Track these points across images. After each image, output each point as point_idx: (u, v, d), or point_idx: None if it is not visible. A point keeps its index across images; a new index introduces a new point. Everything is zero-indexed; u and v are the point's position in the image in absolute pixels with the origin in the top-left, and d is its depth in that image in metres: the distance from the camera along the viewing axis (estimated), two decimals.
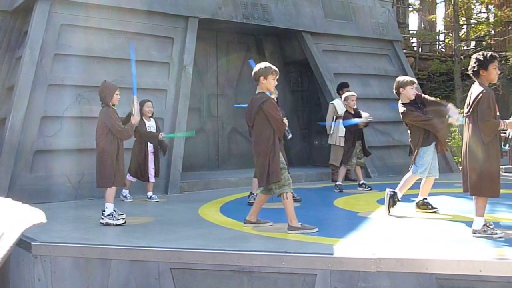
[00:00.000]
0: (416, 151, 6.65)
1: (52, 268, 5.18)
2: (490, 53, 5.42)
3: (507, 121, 5.13)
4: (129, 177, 8.14)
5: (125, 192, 8.26)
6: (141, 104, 8.19)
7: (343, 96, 9.51)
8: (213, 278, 4.75)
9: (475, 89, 5.22)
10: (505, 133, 5.51)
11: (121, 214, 6.23)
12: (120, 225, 6.08)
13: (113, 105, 6.38)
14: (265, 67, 5.74)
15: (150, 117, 8.39)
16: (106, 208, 6.15)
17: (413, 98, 6.74)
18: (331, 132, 10.00)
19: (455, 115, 6.25)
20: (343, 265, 4.43)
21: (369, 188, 9.03)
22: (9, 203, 0.83)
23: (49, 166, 8.54)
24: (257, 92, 5.80)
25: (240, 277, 4.67)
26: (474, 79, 5.33)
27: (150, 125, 8.37)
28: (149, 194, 8.36)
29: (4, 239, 0.74)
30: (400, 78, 6.98)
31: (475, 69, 5.28)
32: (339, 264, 4.44)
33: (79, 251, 5.19)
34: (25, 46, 8.73)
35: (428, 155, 6.58)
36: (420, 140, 6.60)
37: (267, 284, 4.61)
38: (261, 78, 5.70)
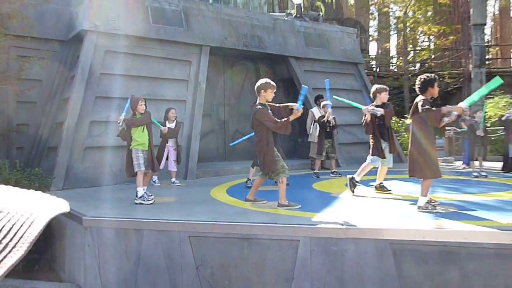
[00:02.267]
0: (372, 145, 6.67)
1: (98, 236, 5.16)
2: (433, 74, 5.40)
3: (449, 106, 5.00)
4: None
5: (155, 178, 8.24)
6: (167, 111, 8.19)
7: (321, 104, 9.54)
8: (221, 243, 4.73)
9: (419, 100, 5.19)
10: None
11: (151, 196, 6.20)
12: (150, 204, 6.07)
13: (140, 112, 6.30)
14: (265, 82, 5.69)
15: (173, 120, 8.32)
16: (138, 191, 6.13)
17: (385, 101, 6.73)
18: (310, 133, 10.00)
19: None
20: (319, 233, 4.42)
21: (339, 175, 9.03)
22: (36, 194, 0.80)
23: (96, 158, 8.54)
24: (257, 102, 5.74)
25: (242, 243, 4.66)
26: (420, 94, 5.28)
27: (172, 125, 8.25)
28: (173, 180, 8.35)
29: (34, 226, 0.71)
30: (377, 86, 6.96)
31: (423, 86, 5.24)
32: (316, 232, 4.42)
33: (119, 223, 5.18)
34: (77, 67, 8.71)
35: (378, 150, 6.58)
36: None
37: (262, 248, 4.59)
38: (262, 91, 5.67)
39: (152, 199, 6.15)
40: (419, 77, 5.40)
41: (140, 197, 6.10)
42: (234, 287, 4.65)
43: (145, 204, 6.05)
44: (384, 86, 6.90)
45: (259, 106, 5.60)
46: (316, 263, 4.36)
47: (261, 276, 4.57)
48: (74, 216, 5.54)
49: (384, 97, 6.70)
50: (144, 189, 6.16)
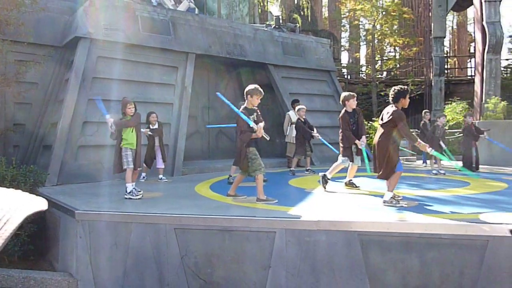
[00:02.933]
0: (341, 148, 6.72)
1: (90, 229, 5.10)
2: (406, 87, 5.44)
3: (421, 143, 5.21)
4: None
5: (143, 173, 8.16)
6: (148, 115, 8.11)
7: (296, 108, 9.57)
8: (204, 235, 4.72)
9: (392, 111, 5.17)
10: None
11: (139, 191, 6.15)
12: (138, 199, 6.00)
13: (129, 114, 6.24)
14: (254, 88, 5.68)
15: (155, 123, 8.22)
16: (127, 187, 6.07)
17: (354, 107, 6.77)
18: (287, 134, 10.04)
19: (363, 144, 6.61)
20: (294, 225, 4.44)
21: (313, 172, 9.08)
22: (13, 192, 0.77)
23: (89, 156, 8.41)
24: (243, 106, 5.72)
25: (223, 234, 4.66)
26: (392, 103, 5.27)
27: (155, 127, 8.18)
28: (160, 176, 8.28)
29: (9, 224, 0.69)
30: (345, 93, 6.98)
31: (396, 97, 5.23)
32: (291, 224, 4.45)
33: (109, 217, 5.12)
34: (71, 71, 8.57)
35: (348, 152, 6.66)
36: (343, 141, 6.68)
37: (241, 239, 4.59)
38: (249, 96, 5.67)
39: (140, 194, 6.09)
40: (393, 87, 5.39)
41: (129, 192, 6.03)
42: (216, 275, 4.64)
43: (133, 199, 5.98)
44: (353, 93, 6.93)
45: (241, 110, 5.61)
46: (291, 253, 4.39)
47: (241, 265, 4.57)
48: (67, 210, 5.46)
49: (352, 103, 6.74)
50: (132, 185, 6.10)
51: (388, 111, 5.25)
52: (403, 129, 5.07)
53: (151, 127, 8.10)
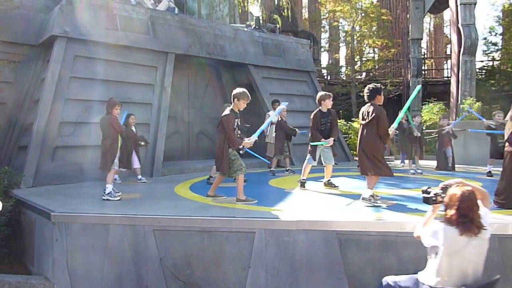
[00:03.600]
0: (309, 148, 6.78)
1: (66, 231, 5.01)
2: (379, 84, 5.54)
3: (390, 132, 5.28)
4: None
5: (116, 176, 8.03)
6: (127, 117, 8.01)
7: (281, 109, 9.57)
8: (183, 236, 4.69)
9: (372, 108, 5.26)
10: None
11: (118, 192, 6.08)
12: (117, 200, 5.93)
13: (116, 115, 6.23)
14: (242, 92, 5.64)
15: (132, 125, 8.18)
16: (107, 187, 5.99)
17: (330, 107, 6.80)
18: (267, 134, 10.04)
19: (330, 142, 6.63)
20: (273, 225, 4.46)
21: (293, 172, 9.12)
22: None
23: (66, 157, 8.26)
24: (230, 108, 5.70)
25: (202, 235, 4.64)
26: (369, 101, 5.38)
27: (132, 129, 8.15)
28: (139, 177, 8.19)
29: None
30: (321, 93, 7.02)
31: (372, 94, 5.33)
32: (271, 224, 4.46)
33: (86, 219, 5.03)
34: (47, 71, 8.41)
35: (313, 151, 6.74)
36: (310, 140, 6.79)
37: (221, 239, 4.58)
38: (236, 99, 5.65)
39: (119, 196, 6.02)
40: (367, 86, 5.49)
41: (108, 193, 5.96)
42: (195, 276, 4.62)
43: (112, 200, 5.91)
44: (329, 93, 6.97)
45: (227, 112, 5.58)
46: (271, 252, 4.39)
47: (221, 265, 4.56)
48: (43, 212, 5.36)
49: (328, 103, 6.78)
50: (112, 186, 6.05)
51: (368, 110, 5.31)
52: (383, 125, 5.15)
53: (132, 129, 8.03)
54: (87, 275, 4.92)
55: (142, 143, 8.32)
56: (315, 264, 4.31)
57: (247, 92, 5.71)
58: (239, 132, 5.79)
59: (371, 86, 5.41)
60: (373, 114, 5.20)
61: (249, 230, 4.49)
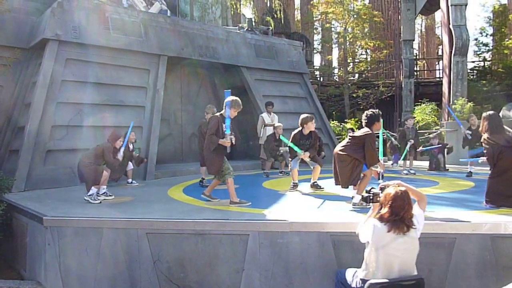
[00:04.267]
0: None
1: (58, 235, 4.98)
2: (377, 110, 5.36)
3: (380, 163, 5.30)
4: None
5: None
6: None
7: (275, 125, 9.61)
8: (176, 239, 4.68)
9: (366, 130, 5.14)
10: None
11: (111, 196, 6.09)
12: (97, 203, 5.92)
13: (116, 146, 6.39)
14: (235, 100, 5.63)
15: (133, 142, 8.22)
16: (91, 189, 6.01)
17: (312, 129, 6.85)
18: (261, 136, 10.06)
19: (306, 155, 6.69)
20: (267, 227, 4.46)
21: (287, 174, 9.12)
22: None
23: (58, 161, 8.20)
24: (219, 113, 5.72)
25: (196, 238, 4.63)
26: (366, 127, 5.20)
27: (130, 146, 8.16)
28: (130, 180, 8.16)
29: None
30: (304, 116, 6.97)
31: (370, 121, 5.17)
32: (264, 227, 4.47)
33: (78, 222, 5.00)
34: (39, 74, 8.34)
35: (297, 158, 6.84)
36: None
37: (215, 242, 4.57)
38: (227, 107, 5.64)
39: (99, 200, 6.02)
40: (365, 112, 5.31)
41: (89, 195, 5.97)
42: (189, 280, 4.60)
43: (92, 203, 5.89)
44: (310, 115, 6.98)
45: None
46: (264, 255, 4.39)
47: (214, 268, 4.55)
48: (35, 216, 5.32)
49: (311, 126, 6.81)
50: (102, 189, 6.15)
51: (364, 131, 5.20)
52: (370, 150, 5.06)
53: (129, 146, 8.04)
54: (80, 280, 4.89)
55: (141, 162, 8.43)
56: (309, 265, 4.31)
57: (239, 101, 5.69)
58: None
59: (369, 112, 5.23)
60: (364, 135, 5.09)
61: (242, 233, 4.49)
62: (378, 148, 5.47)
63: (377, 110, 5.40)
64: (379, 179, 5.33)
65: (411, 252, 3.26)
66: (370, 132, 5.13)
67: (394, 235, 3.17)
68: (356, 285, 3.40)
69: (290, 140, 6.82)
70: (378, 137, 5.69)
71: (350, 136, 5.42)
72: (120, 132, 6.54)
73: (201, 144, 7.22)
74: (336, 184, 5.36)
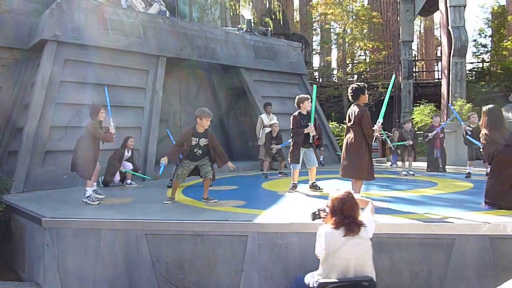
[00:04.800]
0: (290, 152, 6.79)
1: (57, 236, 4.96)
2: (362, 83, 5.55)
3: (376, 127, 5.23)
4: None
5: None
6: (126, 139, 8.02)
7: (270, 122, 9.60)
8: (175, 240, 4.67)
9: (356, 109, 5.31)
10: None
11: (102, 196, 6.08)
12: (96, 204, 5.90)
13: (100, 120, 6.14)
14: (202, 110, 5.88)
15: (131, 148, 8.19)
16: (86, 191, 5.98)
17: (309, 109, 6.80)
18: (259, 137, 10.06)
19: (311, 128, 6.55)
20: (266, 228, 4.46)
21: (286, 175, 9.12)
22: None
23: (56, 162, 8.19)
24: (194, 126, 5.97)
25: (195, 239, 4.62)
26: (353, 101, 5.42)
27: (128, 155, 8.17)
28: (128, 181, 8.15)
29: None
30: (300, 95, 7.01)
31: (356, 94, 5.37)
32: (263, 228, 4.46)
33: (77, 224, 4.99)
34: (38, 75, 8.35)
35: (296, 155, 6.70)
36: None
37: (214, 243, 4.57)
38: (197, 119, 5.82)
39: (98, 200, 6.01)
40: (350, 86, 5.51)
41: (87, 196, 5.96)
42: (188, 281, 4.60)
43: (90, 204, 5.88)
44: (306, 96, 6.96)
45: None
46: (264, 255, 4.39)
47: (214, 269, 4.55)
48: (33, 217, 5.31)
49: (307, 105, 6.79)
50: (93, 189, 6.14)
51: (353, 110, 5.33)
52: (367, 125, 5.16)
53: (126, 153, 8.05)
54: (79, 281, 4.88)
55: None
56: (308, 266, 4.29)
57: (207, 110, 5.91)
58: (199, 151, 5.90)
59: (354, 85, 5.41)
60: (356, 115, 5.23)
61: (242, 234, 4.48)
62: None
63: (362, 83, 5.54)
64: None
65: (365, 253, 3.33)
66: (359, 106, 5.28)
67: (346, 237, 3.27)
68: (313, 285, 3.45)
69: (292, 123, 6.69)
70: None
71: (350, 126, 5.41)
72: (98, 105, 6.31)
73: None
74: (352, 177, 5.39)
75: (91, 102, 6.97)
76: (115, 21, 9.53)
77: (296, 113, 6.79)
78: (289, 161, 6.82)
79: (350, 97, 5.43)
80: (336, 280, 3.27)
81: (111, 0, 10.82)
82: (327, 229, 3.36)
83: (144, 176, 8.54)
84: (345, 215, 3.30)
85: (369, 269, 3.35)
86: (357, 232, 3.28)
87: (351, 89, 5.39)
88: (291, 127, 6.77)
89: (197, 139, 5.85)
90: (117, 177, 8.11)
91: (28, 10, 9.42)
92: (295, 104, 6.91)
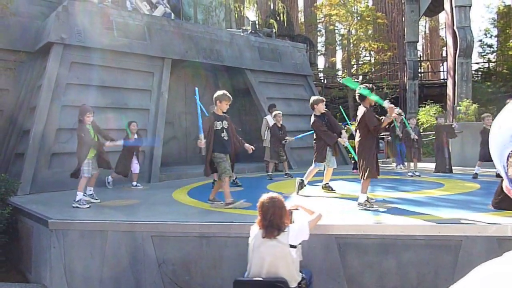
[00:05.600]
0: (316, 152, 6.73)
1: (64, 238, 4.98)
2: (370, 84, 5.54)
3: (385, 105, 5.12)
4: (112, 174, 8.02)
5: (110, 178, 8.06)
6: (128, 124, 8.03)
7: (273, 114, 9.60)
8: (181, 242, 4.67)
9: (361, 110, 5.32)
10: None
11: (97, 200, 6.12)
12: (86, 208, 5.87)
13: (87, 123, 6.09)
14: (222, 93, 5.62)
15: (135, 133, 8.15)
16: (77, 195, 5.96)
17: (323, 112, 6.80)
18: (265, 138, 10.04)
19: (345, 139, 6.73)
20: None
21: (291, 177, 9.11)
22: None
23: (63, 164, 8.20)
24: (212, 111, 5.73)
25: (201, 241, 4.61)
26: (360, 102, 5.42)
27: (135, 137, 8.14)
28: (134, 183, 8.16)
29: None
30: (314, 97, 7.01)
31: (361, 96, 5.36)
32: None
33: (83, 225, 5.01)
34: (44, 77, 8.39)
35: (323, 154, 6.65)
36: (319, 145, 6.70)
37: (220, 245, 4.56)
38: (217, 101, 5.63)
39: (89, 204, 5.99)
40: (358, 86, 5.52)
41: (77, 201, 5.94)
42: (194, 282, 4.59)
43: (81, 207, 5.85)
44: (321, 98, 6.97)
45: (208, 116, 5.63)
46: None
47: (220, 271, 4.54)
48: (40, 219, 5.33)
49: (321, 107, 6.78)
50: (89, 191, 6.20)
51: (359, 112, 5.35)
52: (371, 121, 5.14)
53: (130, 135, 8.02)
54: (85, 282, 4.89)
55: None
56: (314, 268, 4.29)
57: (227, 93, 5.67)
58: (225, 135, 5.72)
59: (360, 86, 5.40)
60: (359, 117, 5.26)
61: (247, 235, 4.46)
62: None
63: (370, 84, 5.53)
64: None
65: (280, 257, 3.41)
66: (365, 108, 5.25)
67: (265, 239, 3.43)
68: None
69: (316, 126, 6.64)
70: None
71: (356, 127, 5.42)
72: (88, 106, 6.27)
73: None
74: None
75: (96, 104, 7.00)
76: (120, 23, 9.57)
77: (317, 117, 6.77)
78: (314, 161, 6.74)
79: (357, 98, 5.42)
80: (246, 279, 3.51)
81: (116, 3, 10.86)
82: (255, 228, 3.56)
83: None
84: (265, 218, 3.46)
85: (285, 272, 3.42)
86: (275, 236, 3.41)
87: (357, 91, 5.38)
88: (319, 128, 6.67)
89: (221, 121, 5.64)
90: (135, 167, 8.10)
91: (34, 13, 9.48)
92: (310, 106, 6.89)
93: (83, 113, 6.05)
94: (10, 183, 6.91)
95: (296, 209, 3.98)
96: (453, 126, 9.51)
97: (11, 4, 8.51)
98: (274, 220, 3.44)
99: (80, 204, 5.92)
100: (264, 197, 3.58)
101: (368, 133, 5.23)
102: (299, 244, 3.59)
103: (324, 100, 6.95)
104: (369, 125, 5.17)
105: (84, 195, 6.11)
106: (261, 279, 3.41)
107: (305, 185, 6.69)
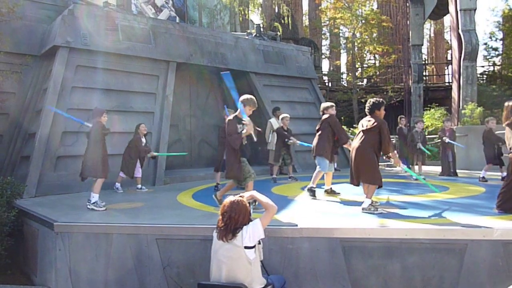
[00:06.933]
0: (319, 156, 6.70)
1: (69, 241, 5.00)
2: (381, 99, 5.52)
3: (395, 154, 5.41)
4: (121, 174, 8.02)
5: (117, 185, 8.07)
6: (137, 127, 8.08)
7: (280, 116, 9.60)
8: (185, 245, 4.68)
9: (373, 119, 5.27)
10: None
11: (103, 202, 6.07)
12: (103, 210, 5.90)
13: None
14: (250, 98, 5.57)
15: (144, 134, 8.22)
16: (93, 197, 5.98)
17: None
18: (269, 141, 10.05)
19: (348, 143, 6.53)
20: (276, 233, 4.44)
21: (296, 180, 9.10)
22: None
23: (68, 167, 8.27)
24: (234, 114, 5.64)
25: (205, 244, 4.61)
26: (369, 115, 5.38)
27: (144, 141, 8.24)
28: (139, 186, 8.18)
29: None
30: (325, 104, 6.99)
31: (371, 109, 5.34)
32: (274, 232, 4.44)
33: (89, 228, 5.03)
34: (50, 81, 8.46)
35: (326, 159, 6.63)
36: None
37: None
38: (242, 105, 5.58)
39: (104, 206, 6.01)
40: (369, 99, 5.50)
41: (93, 203, 5.97)
42: None
43: (97, 210, 5.88)
44: (331, 103, 6.98)
45: (231, 118, 5.56)
46: (274, 260, 4.37)
47: None
48: (45, 222, 5.35)
49: (331, 112, 6.80)
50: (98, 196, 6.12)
51: (369, 120, 5.32)
52: (386, 136, 5.15)
53: (141, 138, 8.10)
54: (90, 285, 4.91)
55: (148, 155, 8.36)
56: (319, 271, 4.29)
57: (254, 99, 5.64)
58: (244, 139, 5.69)
59: (372, 100, 5.44)
60: (375, 124, 5.21)
61: None
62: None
63: (381, 99, 5.52)
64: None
65: (237, 261, 3.42)
66: (376, 117, 5.24)
67: (222, 242, 3.46)
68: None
69: (337, 126, 6.63)
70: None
71: (363, 130, 5.38)
72: (102, 108, 6.38)
73: (221, 149, 7.31)
74: (353, 183, 5.38)
75: (109, 107, 7.01)
76: (125, 27, 9.63)
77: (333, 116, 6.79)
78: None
79: (366, 110, 5.44)
80: (208, 283, 3.52)
81: (122, 6, 10.93)
82: (216, 231, 3.59)
83: (181, 154, 9.21)
84: (222, 220, 3.51)
85: (243, 276, 3.41)
86: (230, 238, 3.42)
87: (369, 103, 5.41)
88: (341, 129, 6.69)
89: (241, 126, 5.58)
90: (138, 171, 8.14)
91: (40, 17, 9.56)
92: (320, 112, 6.90)
93: (99, 114, 6.17)
94: (16, 186, 6.93)
95: (254, 200, 3.91)
96: (444, 139, 9.42)
97: (18, 8, 8.58)
98: (230, 224, 3.45)
99: (96, 206, 5.94)
100: (227, 200, 3.59)
101: (375, 137, 5.22)
102: (258, 244, 3.60)
103: (334, 105, 6.97)
104: (384, 139, 5.19)
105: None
106: (221, 284, 3.43)
107: (314, 189, 6.66)
